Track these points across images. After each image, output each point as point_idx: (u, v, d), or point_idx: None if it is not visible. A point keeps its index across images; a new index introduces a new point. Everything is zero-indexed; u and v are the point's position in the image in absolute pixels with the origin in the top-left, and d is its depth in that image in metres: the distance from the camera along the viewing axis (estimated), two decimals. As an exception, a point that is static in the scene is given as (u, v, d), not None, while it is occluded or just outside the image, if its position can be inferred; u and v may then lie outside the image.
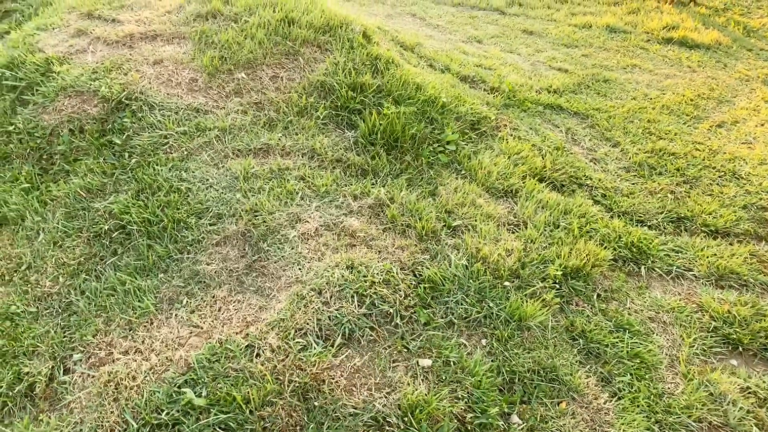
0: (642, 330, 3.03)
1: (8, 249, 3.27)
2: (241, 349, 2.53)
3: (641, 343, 2.94)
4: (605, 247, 3.50)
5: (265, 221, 3.22)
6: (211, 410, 2.30)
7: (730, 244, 3.75)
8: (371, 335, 2.70)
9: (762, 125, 5.31)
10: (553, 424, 2.50)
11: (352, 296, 2.80)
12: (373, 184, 3.67)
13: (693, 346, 2.98)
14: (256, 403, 2.33)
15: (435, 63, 5.72)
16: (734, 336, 3.05)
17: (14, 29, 5.22)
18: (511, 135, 4.58)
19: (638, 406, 2.63)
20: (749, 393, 2.76)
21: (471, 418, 2.45)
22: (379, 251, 3.13)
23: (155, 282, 2.95)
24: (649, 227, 3.84)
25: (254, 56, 4.41)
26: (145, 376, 2.47)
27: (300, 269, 2.96)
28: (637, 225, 3.83)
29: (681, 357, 2.90)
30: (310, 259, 3.03)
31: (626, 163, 4.53)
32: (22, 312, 2.92)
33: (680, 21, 7.97)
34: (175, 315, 2.77)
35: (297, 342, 2.57)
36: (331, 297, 2.78)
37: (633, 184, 4.26)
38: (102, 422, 2.32)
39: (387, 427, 2.34)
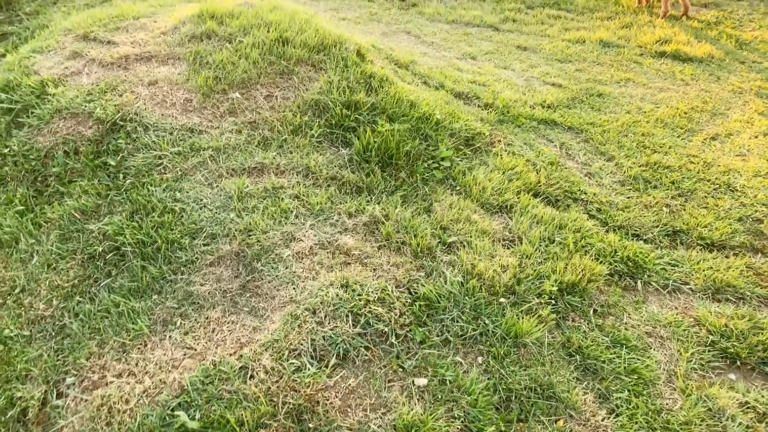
0: (639, 345, 3.02)
1: (2, 272, 3.26)
2: (234, 371, 2.51)
3: (638, 359, 2.92)
4: (601, 262, 3.49)
5: (259, 241, 3.22)
6: (205, 433, 2.28)
7: (726, 257, 3.74)
8: (366, 355, 2.68)
9: (756, 137, 5.33)
10: (551, 442, 2.48)
11: (347, 315, 2.79)
12: (368, 201, 3.67)
13: (691, 361, 2.97)
14: (250, 425, 2.31)
15: (429, 80, 5.75)
16: (732, 350, 3.03)
17: (10, 52, 5.26)
18: (506, 150, 4.59)
19: (636, 422, 2.61)
20: (748, 408, 2.74)
21: (467, 437, 2.43)
22: (374, 269, 3.13)
23: (149, 303, 2.94)
24: (645, 241, 3.83)
25: (249, 76, 4.43)
26: (139, 400, 2.45)
27: (294, 289, 2.96)
28: (632, 239, 3.83)
29: (679, 372, 2.89)
30: (305, 278, 3.02)
31: (621, 176, 4.54)
32: (15, 335, 2.90)
33: (673, 35, 8.02)
34: (169, 337, 2.76)
35: (291, 363, 2.56)
36: (325, 316, 2.77)
37: (628, 197, 4.26)
38: (94, 447, 2.30)
39: (382, 448, 2.32)
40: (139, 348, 2.72)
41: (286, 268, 3.08)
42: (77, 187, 3.61)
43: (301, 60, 4.69)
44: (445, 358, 2.75)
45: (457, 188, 4.01)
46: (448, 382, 2.63)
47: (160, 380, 2.52)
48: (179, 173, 3.66)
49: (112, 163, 3.69)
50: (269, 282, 3.02)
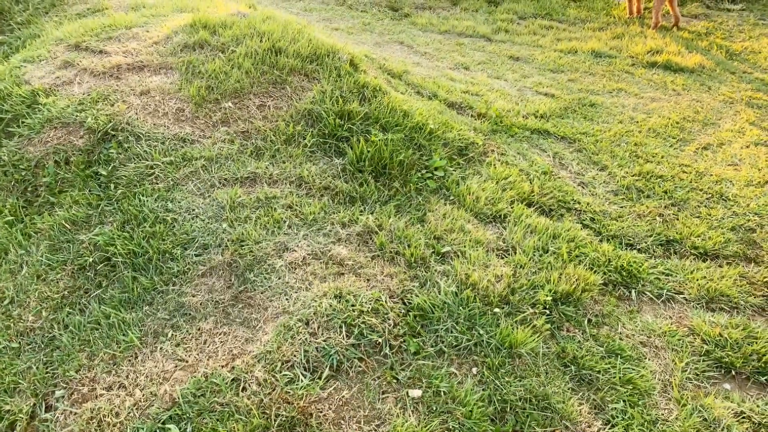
0: (634, 355, 3.01)
1: (-9, 283, 3.22)
2: (226, 383, 2.48)
3: (633, 369, 2.91)
4: (595, 272, 3.49)
5: (251, 251, 3.19)
6: (196, 447, 2.25)
7: (720, 266, 3.75)
8: (360, 366, 2.66)
9: (747, 147, 5.36)
10: (546, 454, 2.46)
11: (340, 326, 2.76)
12: (361, 211, 3.66)
13: (685, 371, 2.96)
14: (242, 438, 2.28)
15: (422, 90, 5.76)
16: (726, 359, 3.03)
17: (1, 62, 5.22)
18: (499, 160, 4.59)
19: (632, 433, 2.59)
20: (743, 418, 2.73)
21: (462, 449, 2.40)
22: (368, 279, 3.11)
23: (140, 315, 2.90)
24: (639, 250, 3.83)
25: (241, 85, 4.42)
26: (129, 413, 2.41)
27: (287, 299, 2.93)
28: (626, 248, 3.83)
29: (674, 382, 2.87)
30: (298, 288, 3.00)
31: (614, 186, 4.55)
32: (3, 348, 2.86)
33: (664, 45, 8.08)
34: (160, 348, 2.72)
35: (284, 375, 2.53)
36: (318, 327, 2.75)
37: (621, 207, 4.27)
38: (83, 462, 2.26)
39: (376, 461, 2.29)
40: (129, 360, 2.69)
41: (279, 278, 3.06)
42: (68, 197, 3.58)
43: (294, 70, 4.68)
44: (439, 369, 2.73)
45: (451, 198, 4.01)
46: (442, 393, 2.61)
47: (151, 393, 2.48)
48: (171, 183, 3.64)
49: (104, 172, 3.66)
50: (262, 293, 2.99)
